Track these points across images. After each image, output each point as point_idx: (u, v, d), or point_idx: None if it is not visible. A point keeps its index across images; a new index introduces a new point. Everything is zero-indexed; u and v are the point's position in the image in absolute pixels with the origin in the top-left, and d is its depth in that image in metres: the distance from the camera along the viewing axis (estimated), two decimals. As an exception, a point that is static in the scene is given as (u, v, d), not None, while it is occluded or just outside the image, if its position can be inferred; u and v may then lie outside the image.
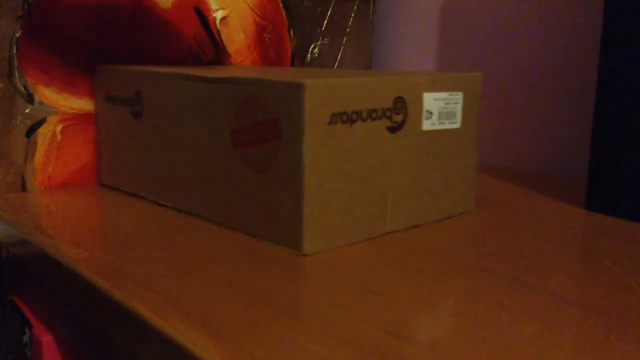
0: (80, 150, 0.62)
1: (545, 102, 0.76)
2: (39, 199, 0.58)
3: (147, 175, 0.59)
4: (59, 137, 0.61)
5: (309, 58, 0.78)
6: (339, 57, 0.82)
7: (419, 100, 0.50)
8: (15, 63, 0.57)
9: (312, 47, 0.79)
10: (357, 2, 0.82)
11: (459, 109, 0.53)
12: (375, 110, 0.47)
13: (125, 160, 0.61)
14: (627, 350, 0.32)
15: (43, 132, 0.60)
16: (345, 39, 0.82)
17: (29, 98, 0.59)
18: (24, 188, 0.60)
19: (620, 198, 0.56)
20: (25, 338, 0.56)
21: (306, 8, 0.77)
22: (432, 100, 0.51)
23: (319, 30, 0.79)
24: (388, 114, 0.48)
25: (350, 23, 0.82)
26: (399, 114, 0.49)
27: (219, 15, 0.69)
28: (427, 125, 0.51)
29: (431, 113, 0.51)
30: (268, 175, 0.47)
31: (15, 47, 0.57)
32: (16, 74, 0.57)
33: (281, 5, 0.74)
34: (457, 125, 0.53)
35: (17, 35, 0.57)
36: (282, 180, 0.46)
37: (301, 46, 0.78)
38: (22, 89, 0.58)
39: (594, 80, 0.72)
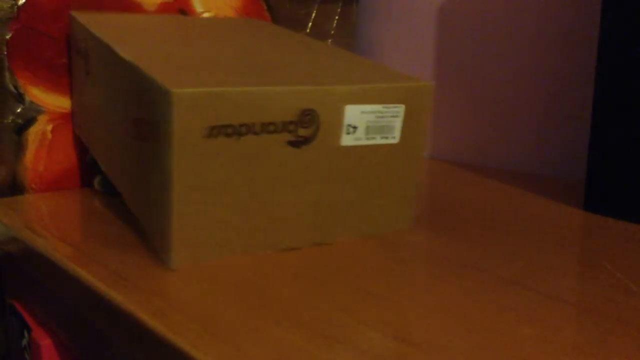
0: (70, 149, 0.64)
1: (544, 103, 0.75)
2: (30, 200, 0.59)
3: (91, 133, 0.57)
4: (49, 136, 0.62)
5: (294, 59, 0.80)
6: (324, 58, 0.84)
7: (339, 113, 0.45)
8: (6, 64, 0.59)
9: (297, 48, 0.81)
10: (340, 4, 0.84)
11: (397, 123, 0.47)
12: (272, 124, 0.42)
13: (83, 113, 0.60)
14: (626, 351, 0.33)
15: (34, 131, 0.62)
16: (329, 40, 0.84)
17: (20, 98, 0.60)
18: (15, 186, 0.61)
19: (618, 200, 0.55)
20: (25, 342, 0.56)
21: (289, 11, 0.79)
22: (357, 114, 0.46)
23: (303, 32, 0.81)
24: (292, 127, 0.43)
25: (334, 25, 0.84)
26: (308, 127, 0.44)
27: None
28: (347, 141, 0.46)
29: (355, 127, 0.46)
30: (152, 177, 0.43)
31: (5, 49, 0.59)
32: (6, 74, 0.59)
33: (265, 7, 0.77)
34: (394, 140, 0.48)
35: (7, 37, 0.59)
36: (159, 186, 0.42)
37: (286, 48, 0.80)
38: (12, 88, 0.60)
39: (593, 81, 0.70)
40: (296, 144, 0.44)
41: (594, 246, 0.49)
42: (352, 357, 0.31)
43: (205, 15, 0.71)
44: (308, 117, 0.44)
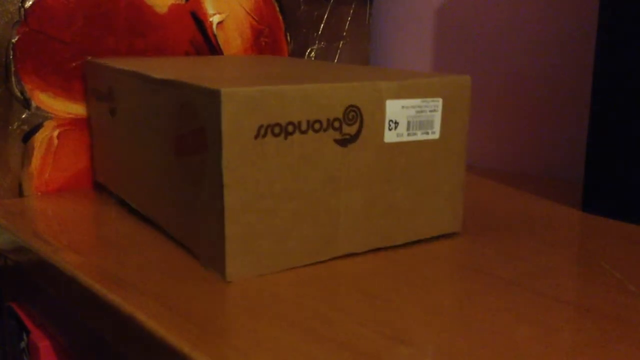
0: (77, 156, 0.62)
1: (542, 104, 0.75)
2: (35, 205, 0.58)
3: (120, 175, 0.57)
4: (55, 142, 0.61)
5: (305, 62, 0.79)
6: (335, 60, 0.82)
7: (381, 109, 0.45)
8: (12, 68, 0.57)
9: (308, 50, 0.79)
10: (353, 6, 0.82)
11: (437, 118, 0.47)
12: (318, 121, 0.42)
13: (108, 158, 0.60)
14: (625, 352, 0.33)
15: (40, 138, 0.60)
16: (341, 42, 0.82)
17: (26, 103, 0.59)
18: (20, 194, 0.60)
19: (617, 200, 0.55)
20: (23, 344, 0.56)
21: (303, 12, 0.77)
22: (398, 109, 0.45)
23: (315, 34, 0.79)
24: (337, 124, 0.43)
25: (346, 27, 0.82)
26: (352, 124, 0.44)
27: (215, 19, 0.69)
28: (390, 137, 0.45)
29: (397, 123, 0.45)
30: (200, 189, 0.43)
31: (11, 53, 0.57)
32: (13, 79, 0.57)
33: (277, 9, 0.75)
34: (435, 136, 0.47)
35: (13, 40, 0.57)
36: (208, 196, 0.42)
37: (298, 50, 0.78)
38: (18, 94, 0.58)
39: (590, 82, 0.72)
40: (343, 142, 0.44)
41: (593, 247, 0.49)
42: (351, 358, 0.31)
43: (217, 17, 0.69)
44: (352, 114, 0.44)
